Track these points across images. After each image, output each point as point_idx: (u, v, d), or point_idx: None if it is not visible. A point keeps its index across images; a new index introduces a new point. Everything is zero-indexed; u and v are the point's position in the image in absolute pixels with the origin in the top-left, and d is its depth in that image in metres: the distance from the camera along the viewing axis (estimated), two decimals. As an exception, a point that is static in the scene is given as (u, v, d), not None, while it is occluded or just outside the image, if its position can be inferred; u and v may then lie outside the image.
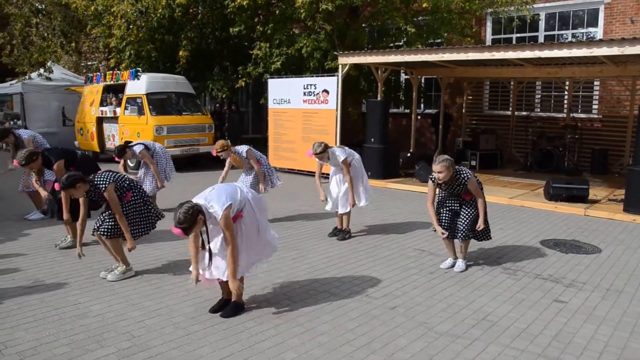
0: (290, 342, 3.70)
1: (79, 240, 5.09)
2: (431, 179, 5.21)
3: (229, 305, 4.17)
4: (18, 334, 3.77)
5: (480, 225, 5.24)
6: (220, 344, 3.65)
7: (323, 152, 6.27)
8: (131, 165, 7.92)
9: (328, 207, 6.66)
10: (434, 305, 4.41)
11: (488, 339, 3.79)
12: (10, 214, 7.74)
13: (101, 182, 4.80)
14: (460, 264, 5.39)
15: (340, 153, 6.33)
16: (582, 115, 13.27)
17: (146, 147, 7.68)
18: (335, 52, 11.81)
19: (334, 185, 6.59)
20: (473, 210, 5.28)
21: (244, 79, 13.92)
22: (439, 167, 5.03)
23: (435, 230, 5.40)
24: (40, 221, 7.29)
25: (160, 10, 13.44)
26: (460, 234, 5.28)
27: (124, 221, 4.88)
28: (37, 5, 15.55)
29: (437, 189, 5.32)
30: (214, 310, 4.18)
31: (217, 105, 16.96)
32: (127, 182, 5.04)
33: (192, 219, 3.67)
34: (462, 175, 5.11)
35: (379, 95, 12.14)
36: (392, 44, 13.82)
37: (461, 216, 5.30)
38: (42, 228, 6.91)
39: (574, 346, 3.70)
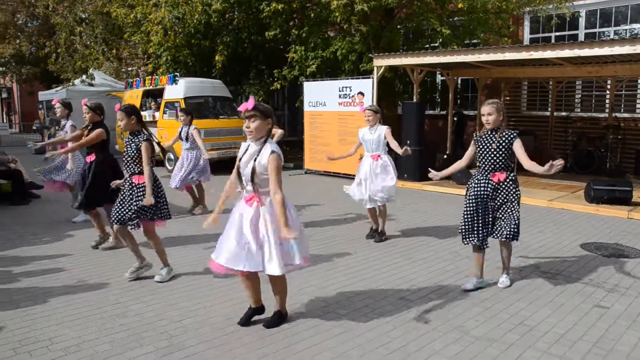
0: (325, 343, 3.72)
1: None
2: (474, 138, 4.83)
3: (274, 316, 4.04)
4: (63, 330, 3.91)
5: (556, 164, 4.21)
6: (255, 345, 3.70)
7: (377, 112, 6.43)
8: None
9: (350, 193, 6.61)
10: (470, 309, 4.36)
11: (525, 344, 3.73)
12: (57, 216, 8.02)
13: (147, 135, 5.01)
14: (505, 279, 4.88)
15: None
16: (625, 115, 12.87)
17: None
18: (370, 54, 11.79)
19: (369, 177, 6.43)
20: (514, 203, 4.62)
21: (280, 81, 14.04)
22: (488, 108, 4.56)
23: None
24: (84, 223, 7.51)
25: (196, 17, 13.69)
26: (505, 232, 4.58)
27: (150, 175, 4.90)
28: (80, 14, 16.08)
29: (475, 149, 4.79)
30: (242, 322, 4.00)
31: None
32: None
33: (268, 110, 3.68)
34: (508, 133, 4.58)
35: (414, 97, 12.07)
36: (427, 45, 13.73)
37: (504, 211, 4.64)
38: (86, 230, 7.12)
39: (616, 354, 3.60)
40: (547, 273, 5.30)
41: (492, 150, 4.62)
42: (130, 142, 4.98)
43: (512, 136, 4.58)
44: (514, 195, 4.64)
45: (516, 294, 4.71)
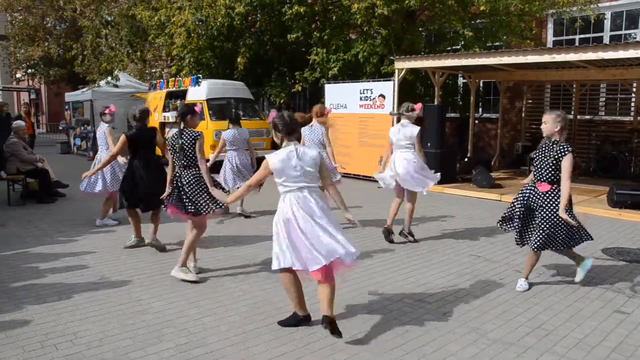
0: (341, 343, 3.76)
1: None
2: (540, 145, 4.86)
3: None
4: (86, 326, 4.02)
5: (561, 213, 4.52)
6: (273, 344, 3.75)
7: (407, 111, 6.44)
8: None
9: (383, 184, 6.61)
10: (488, 312, 4.36)
11: (542, 347, 3.72)
12: (81, 214, 8.19)
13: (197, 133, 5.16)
14: (523, 283, 4.90)
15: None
16: (652, 119, 12.65)
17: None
18: (392, 57, 11.80)
19: (399, 165, 6.45)
20: (552, 214, 4.62)
21: (301, 84, 14.12)
22: (546, 116, 4.66)
23: None
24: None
25: (219, 19, 13.85)
26: (534, 242, 4.72)
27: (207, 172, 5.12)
28: (106, 17, 16.38)
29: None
30: (334, 333, 3.67)
31: (275, 110, 17.28)
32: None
33: (293, 122, 3.82)
34: (562, 146, 4.57)
35: (435, 100, 12.04)
36: (449, 48, 13.67)
37: (538, 219, 4.70)
38: (109, 228, 7.29)
39: None
40: (566, 277, 5.26)
41: (544, 159, 4.68)
42: (189, 138, 5.12)
43: (563, 151, 4.56)
44: (552, 208, 4.63)
45: (535, 298, 4.69)
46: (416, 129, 6.48)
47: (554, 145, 4.63)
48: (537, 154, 4.78)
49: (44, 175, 9.41)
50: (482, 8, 11.64)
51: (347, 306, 4.46)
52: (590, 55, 8.52)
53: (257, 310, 4.35)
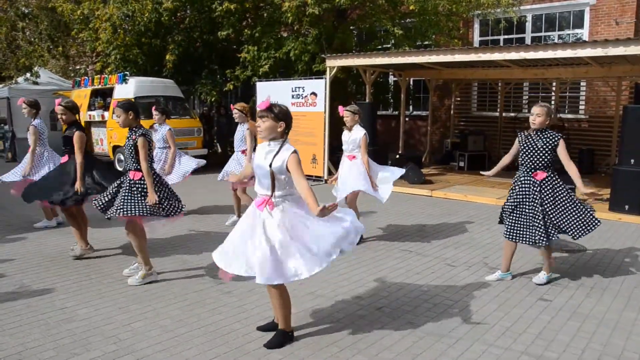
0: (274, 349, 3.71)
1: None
2: (518, 136, 4.93)
3: (276, 334, 3.73)
4: (3, 339, 3.75)
5: (583, 189, 4.58)
6: (206, 346, 3.66)
7: (355, 112, 6.25)
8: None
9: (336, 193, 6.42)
10: (420, 305, 4.44)
11: (472, 337, 3.82)
12: (-4, 219, 7.71)
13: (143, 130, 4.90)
14: (543, 277, 4.99)
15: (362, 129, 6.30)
16: (569, 116, 13.40)
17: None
18: (323, 55, 11.85)
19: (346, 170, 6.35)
20: (565, 197, 4.78)
21: (233, 82, 13.93)
22: (538, 110, 4.72)
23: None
24: (28, 227, 7.22)
25: (146, 15, 13.40)
26: (547, 234, 4.67)
27: (148, 171, 4.81)
28: (23, 9, 15.46)
29: (520, 146, 4.90)
30: (262, 328, 3.90)
31: (206, 108, 16.91)
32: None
33: (282, 113, 3.64)
34: (553, 135, 4.76)
35: (367, 98, 12.19)
36: (380, 46, 13.89)
37: (564, 205, 4.75)
38: (28, 234, 6.87)
39: (557, 343, 3.74)
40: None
41: (535, 149, 4.78)
42: (128, 138, 4.88)
43: (558, 138, 4.76)
44: (562, 187, 4.83)
45: (464, 289, 4.83)
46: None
47: (544, 134, 4.76)
48: (525, 146, 4.83)
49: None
50: (411, 7, 11.89)
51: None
52: (513, 55, 8.90)
53: (189, 313, 4.23)
